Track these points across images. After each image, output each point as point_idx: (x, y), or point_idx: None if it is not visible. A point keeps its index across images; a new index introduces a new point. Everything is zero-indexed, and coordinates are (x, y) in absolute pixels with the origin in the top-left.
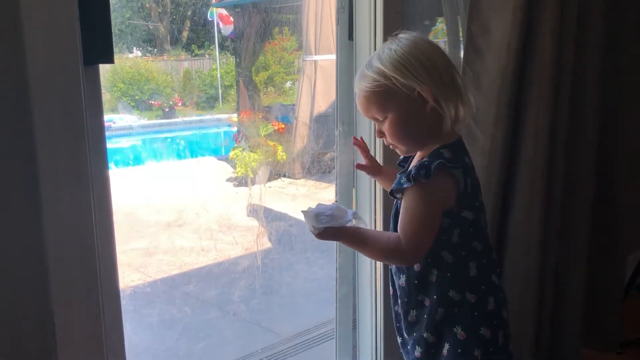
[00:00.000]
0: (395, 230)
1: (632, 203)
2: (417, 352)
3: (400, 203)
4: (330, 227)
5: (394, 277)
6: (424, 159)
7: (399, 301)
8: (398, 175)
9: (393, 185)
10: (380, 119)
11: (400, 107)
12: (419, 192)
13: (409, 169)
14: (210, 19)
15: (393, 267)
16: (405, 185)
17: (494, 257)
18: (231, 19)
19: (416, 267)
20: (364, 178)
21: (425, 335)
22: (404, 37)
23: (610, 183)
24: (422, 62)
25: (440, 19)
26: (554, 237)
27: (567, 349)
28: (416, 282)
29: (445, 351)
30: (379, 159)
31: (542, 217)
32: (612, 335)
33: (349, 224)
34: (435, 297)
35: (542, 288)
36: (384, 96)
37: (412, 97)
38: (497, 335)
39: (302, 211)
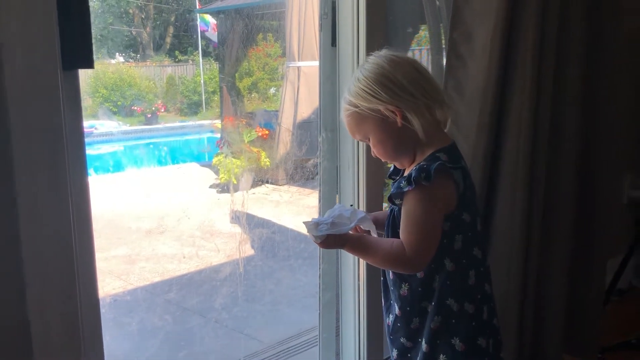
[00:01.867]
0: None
1: (612, 209)
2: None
3: (397, 210)
4: (332, 235)
5: (392, 287)
6: (422, 163)
7: (399, 311)
8: (395, 182)
9: (392, 190)
10: (367, 140)
11: (376, 129)
12: (420, 196)
13: (409, 172)
14: (198, 25)
15: (390, 277)
16: (405, 189)
17: (488, 265)
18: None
19: (419, 274)
20: (348, 184)
21: (421, 342)
22: (369, 62)
23: (591, 190)
24: (382, 83)
25: (423, 27)
26: (535, 244)
27: (549, 355)
28: (420, 289)
29: None
30: (362, 161)
31: (524, 224)
32: (592, 340)
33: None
34: (433, 303)
35: (524, 295)
36: (358, 121)
37: (382, 117)
38: (489, 344)
39: (304, 222)
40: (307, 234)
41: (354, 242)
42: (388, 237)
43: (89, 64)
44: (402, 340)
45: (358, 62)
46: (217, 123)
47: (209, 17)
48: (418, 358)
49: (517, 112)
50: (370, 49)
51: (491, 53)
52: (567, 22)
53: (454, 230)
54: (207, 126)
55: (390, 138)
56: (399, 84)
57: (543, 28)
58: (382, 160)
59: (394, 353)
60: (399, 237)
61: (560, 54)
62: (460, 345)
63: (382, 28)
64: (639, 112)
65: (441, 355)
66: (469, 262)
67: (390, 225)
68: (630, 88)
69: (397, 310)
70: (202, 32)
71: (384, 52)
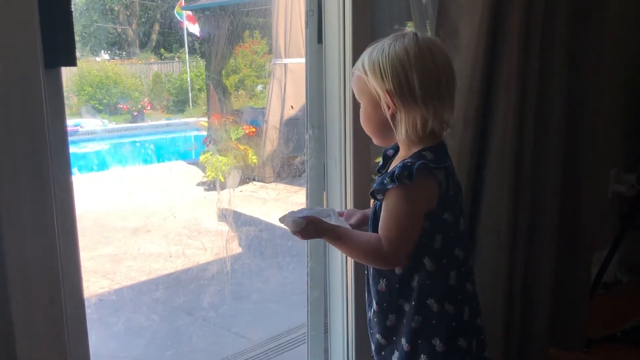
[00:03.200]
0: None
1: (597, 204)
2: (395, 357)
3: (380, 205)
4: (313, 224)
5: (371, 282)
6: (406, 160)
7: (376, 307)
8: (379, 177)
9: (375, 185)
10: (359, 102)
11: (368, 103)
12: (401, 194)
13: (392, 169)
14: (179, 20)
15: (371, 271)
16: (389, 187)
17: (470, 265)
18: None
19: (397, 270)
20: (335, 182)
21: (402, 341)
22: (405, 41)
23: (576, 184)
24: (396, 71)
25: (409, 23)
26: (521, 238)
27: (536, 349)
28: (397, 286)
29: None
30: (350, 158)
31: (510, 219)
32: (578, 334)
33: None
34: (413, 303)
35: (511, 289)
36: (359, 85)
37: (379, 100)
38: (472, 344)
39: (279, 218)
40: (285, 227)
41: (333, 232)
42: (370, 232)
43: (72, 62)
44: (377, 336)
45: (344, 59)
46: (203, 121)
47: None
48: (398, 356)
49: (503, 106)
50: (356, 45)
51: (477, 49)
52: (552, 18)
53: (434, 230)
54: (193, 124)
55: (375, 119)
56: (409, 83)
57: (528, 24)
58: (369, 155)
59: (372, 347)
60: None
61: (546, 49)
62: (441, 345)
63: (368, 25)
64: (624, 107)
65: (422, 355)
66: (450, 262)
67: (373, 220)
68: (615, 83)
69: (374, 306)
70: (183, 27)
71: (424, 40)
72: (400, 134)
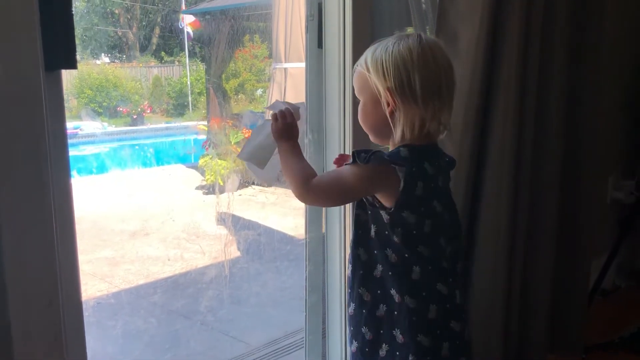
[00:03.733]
0: (356, 241)
1: (596, 210)
2: (354, 347)
3: (360, 212)
4: (290, 126)
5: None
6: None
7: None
8: None
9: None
10: (358, 99)
11: (367, 99)
12: (354, 167)
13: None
14: (180, 26)
15: (351, 254)
16: (349, 162)
17: (445, 266)
18: (191, 23)
19: (363, 256)
20: None
21: (363, 330)
22: (409, 41)
23: (575, 190)
24: (398, 70)
25: (409, 28)
26: (521, 244)
27: (534, 355)
28: (361, 272)
29: (383, 352)
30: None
31: (509, 223)
32: (577, 340)
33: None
34: (378, 292)
35: (509, 295)
36: (360, 81)
37: (378, 96)
38: (440, 346)
39: (271, 105)
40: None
41: (292, 146)
42: (353, 235)
43: (72, 65)
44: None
45: (344, 64)
46: (201, 125)
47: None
48: (358, 345)
49: (502, 110)
50: (356, 50)
51: (476, 53)
52: (552, 22)
53: (393, 224)
54: (193, 127)
55: (374, 115)
56: (410, 83)
57: (528, 27)
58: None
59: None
60: (364, 210)
61: (545, 53)
62: (400, 337)
63: (368, 30)
64: (624, 110)
65: (384, 345)
66: (413, 257)
67: (354, 223)
68: (615, 85)
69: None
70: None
71: (427, 42)
72: (396, 133)
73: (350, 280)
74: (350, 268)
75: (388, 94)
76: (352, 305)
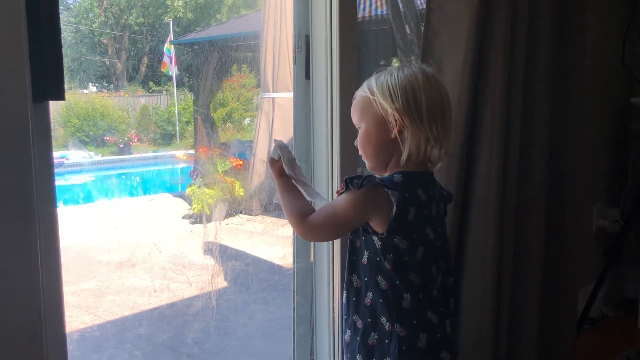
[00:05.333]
0: (349, 267)
1: (582, 238)
2: None
3: (354, 239)
4: (279, 165)
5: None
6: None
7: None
8: None
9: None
10: (358, 127)
11: (372, 123)
12: (347, 195)
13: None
14: (167, 55)
15: (345, 281)
16: (343, 191)
17: (436, 295)
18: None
19: (356, 283)
20: None
21: (357, 358)
22: (410, 68)
23: (561, 219)
24: (406, 92)
25: (395, 60)
26: (507, 276)
27: None
28: (354, 299)
29: None
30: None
31: (495, 253)
32: None
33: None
34: (369, 320)
35: (497, 325)
36: (363, 107)
37: (384, 118)
38: None
39: (275, 141)
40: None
41: (287, 182)
42: (347, 264)
43: (60, 96)
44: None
45: (332, 94)
46: (181, 154)
47: (171, 48)
48: None
49: (487, 142)
50: (343, 81)
51: (461, 85)
52: (535, 53)
53: (385, 250)
54: (179, 157)
55: (378, 139)
56: (418, 104)
57: (511, 61)
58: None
59: None
60: (357, 236)
61: (528, 85)
62: None
63: (355, 61)
64: (607, 141)
65: None
66: (404, 285)
67: (349, 251)
68: (597, 118)
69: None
70: (164, 65)
71: (429, 70)
72: (404, 153)
73: (345, 307)
74: (344, 295)
75: (396, 113)
76: (348, 332)
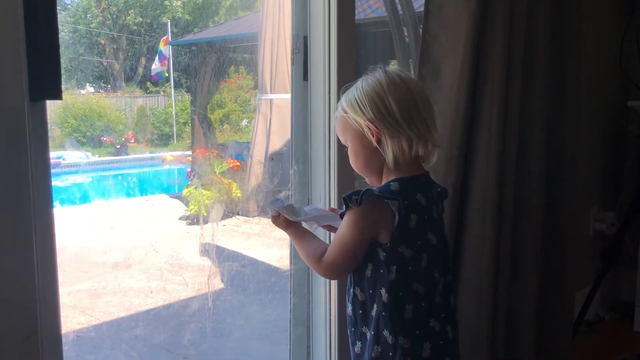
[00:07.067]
0: (352, 281)
1: (579, 241)
2: None
3: None
4: (283, 216)
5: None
6: (369, 187)
7: (348, 331)
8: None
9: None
10: (345, 147)
11: (354, 139)
12: (349, 217)
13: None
14: (164, 55)
15: (348, 294)
16: (343, 210)
17: (437, 301)
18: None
19: (360, 296)
20: None
21: None
22: (374, 75)
23: (558, 222)
24: (372, 100)
25: (393, 62)
26: (504, 278)
27: None
28: (360, 312)
29: None
30: (334, 193)
31: (492, 257)
32: None
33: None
34: (372, 332)
35: (494, 330)
36: (342, 126)
37: (362, 131)
38: None
39: (270, 201)
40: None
41: (296, 231)
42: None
43: (57, 96)
44: None
45: (330, 96)
46: (168, 155)
47: (164, 48)
48: None
49: (485, 145)
50: (341, 83)
51: (459, 88)
52: (533, 57)
53: (389, 261)
54: (176, 157)
55: (363, 153)
56: (388, 108)
57: (509, 64)
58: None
59: None
60: None
61: (526, 88)
62: None
63: (353, 63)
64: (605, 146)
65: None
66: (407, 295)
67: None
68: (595, 122)
69: (348, 330)
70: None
71: (392, 70)
72: (388, 159)
73: (352, 320)
74: (350, 307)
75: (370, 123)
76: (358, 343)
